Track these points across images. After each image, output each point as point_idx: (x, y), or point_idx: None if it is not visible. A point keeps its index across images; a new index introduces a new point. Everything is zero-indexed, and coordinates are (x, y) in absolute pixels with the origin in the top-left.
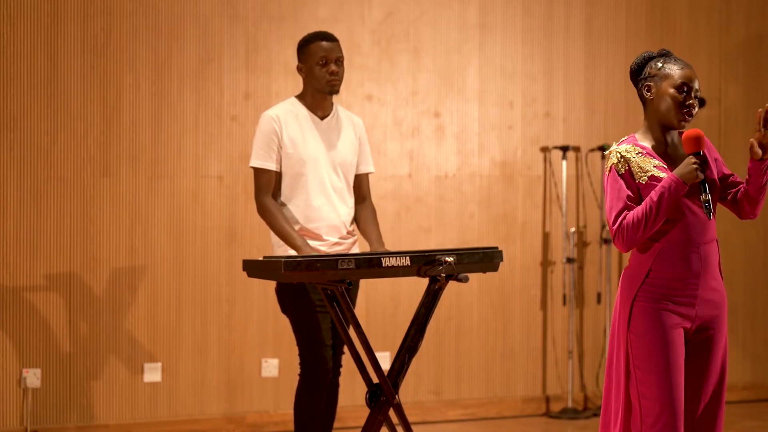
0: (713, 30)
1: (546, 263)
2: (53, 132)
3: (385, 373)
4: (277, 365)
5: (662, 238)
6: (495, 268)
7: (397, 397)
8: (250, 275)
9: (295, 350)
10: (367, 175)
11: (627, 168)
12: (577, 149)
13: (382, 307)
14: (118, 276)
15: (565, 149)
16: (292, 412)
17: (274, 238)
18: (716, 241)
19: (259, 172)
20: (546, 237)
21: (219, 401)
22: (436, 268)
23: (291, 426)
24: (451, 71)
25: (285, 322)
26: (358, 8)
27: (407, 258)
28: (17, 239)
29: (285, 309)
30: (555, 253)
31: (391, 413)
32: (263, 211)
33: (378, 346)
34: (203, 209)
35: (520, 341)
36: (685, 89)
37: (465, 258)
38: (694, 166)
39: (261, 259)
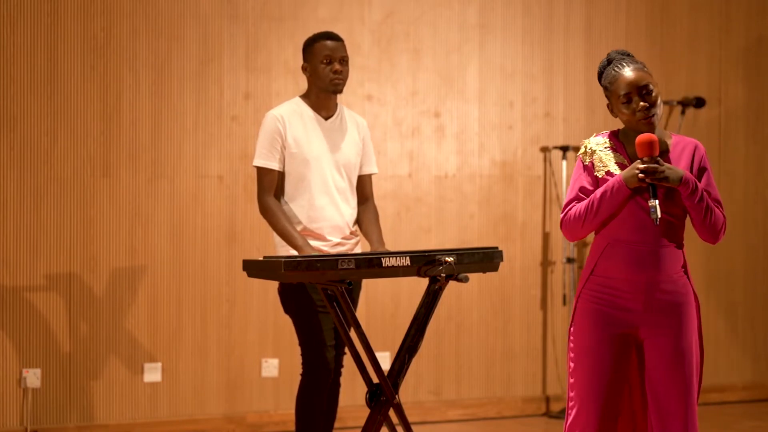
0: (713, 30)
1: (546, 263)
2: (53, 132)
3: (385, 373)
4: (277, 365)
5: (609, 235)
6: (495, 268)
7: (397, 397)
8: (250, 275)
9: (296, 350)
10: (370, 176)
11: (590, 160)
12: (577, 149)
13: (382, 307)
14: (118, 276)
15: (565, 149)
16: (292, 412)
17: (277, 238)
18: (677, 245)
19: (262, 172)
20: (546, 237)
21: (219, 401)
22: (436, 268)
23: (291, 426)
24: (451, 71)
25: (285, 322)
26: (358, 8)
27: (407, 258)
28: (17, 239)
29: (287, 309)
30: (555, 253)
31: (391, 413)
32: (265, 211)
33: (378, 346)
34: (203, 209)
35: (520, 341)
36: (629, 98)
37: (465, 258)
38: (636, 170)
39: (261, 259)
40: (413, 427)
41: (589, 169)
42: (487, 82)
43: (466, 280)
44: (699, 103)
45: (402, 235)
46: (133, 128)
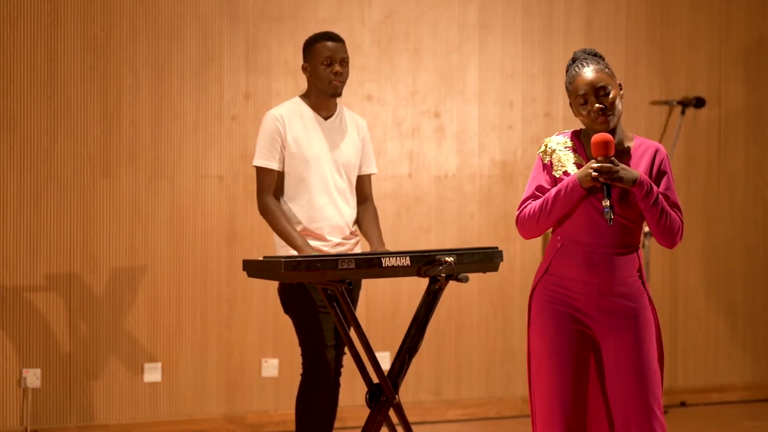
0: (713, 30)
1: None
2: (53, 132)
3: (385, 373)
4: (277, 365)
5: (564, 235)
6: (495, 268)
7: (397, 397)
8: (250, 275)
9: (296, 350)
10: (369, 176)
11: (550, 159)
12: None
13: (382, 307)
14: (118, 276)
15: None
16: (292, 412)
17: (277, 239)
18: (633, 249)
19: (261, 172)
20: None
21: (219, 401)
22: (436, 268)
23: (291, 426)
24: (451, 71)
25: (285, 322)
26: (358, 8)
27: (407, 258)
28: (17, 239)
29: (288, 309)
30: None
31: (391, 413)
32: (264, 211)
33: (378, 346)
34: (203, 209)
35: (520, 341)
36: (585, 100)
37: (465, 258)
38: (590, 170)
39: (261, 259)
40: (413, 427)
41: (548, 168)
42: (487, 82)
43: (466, 280)
44: (699, 103)
45: (402, 235)
46: (133, 128)
